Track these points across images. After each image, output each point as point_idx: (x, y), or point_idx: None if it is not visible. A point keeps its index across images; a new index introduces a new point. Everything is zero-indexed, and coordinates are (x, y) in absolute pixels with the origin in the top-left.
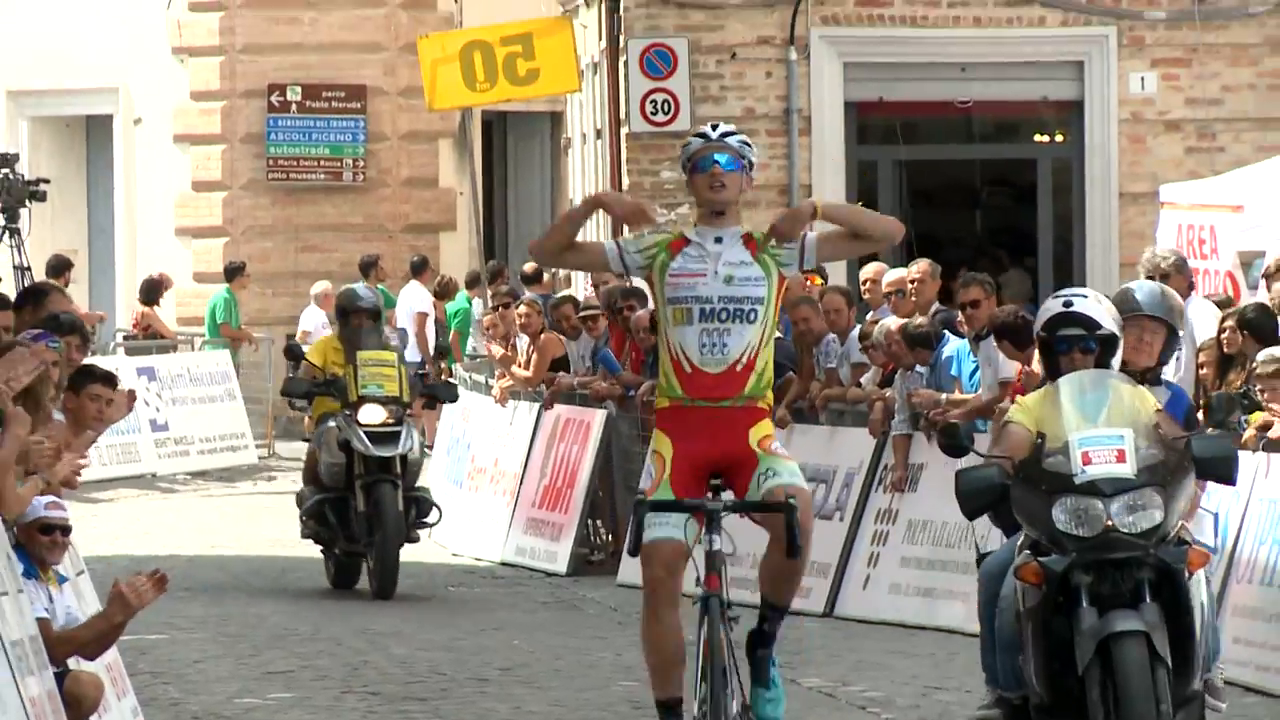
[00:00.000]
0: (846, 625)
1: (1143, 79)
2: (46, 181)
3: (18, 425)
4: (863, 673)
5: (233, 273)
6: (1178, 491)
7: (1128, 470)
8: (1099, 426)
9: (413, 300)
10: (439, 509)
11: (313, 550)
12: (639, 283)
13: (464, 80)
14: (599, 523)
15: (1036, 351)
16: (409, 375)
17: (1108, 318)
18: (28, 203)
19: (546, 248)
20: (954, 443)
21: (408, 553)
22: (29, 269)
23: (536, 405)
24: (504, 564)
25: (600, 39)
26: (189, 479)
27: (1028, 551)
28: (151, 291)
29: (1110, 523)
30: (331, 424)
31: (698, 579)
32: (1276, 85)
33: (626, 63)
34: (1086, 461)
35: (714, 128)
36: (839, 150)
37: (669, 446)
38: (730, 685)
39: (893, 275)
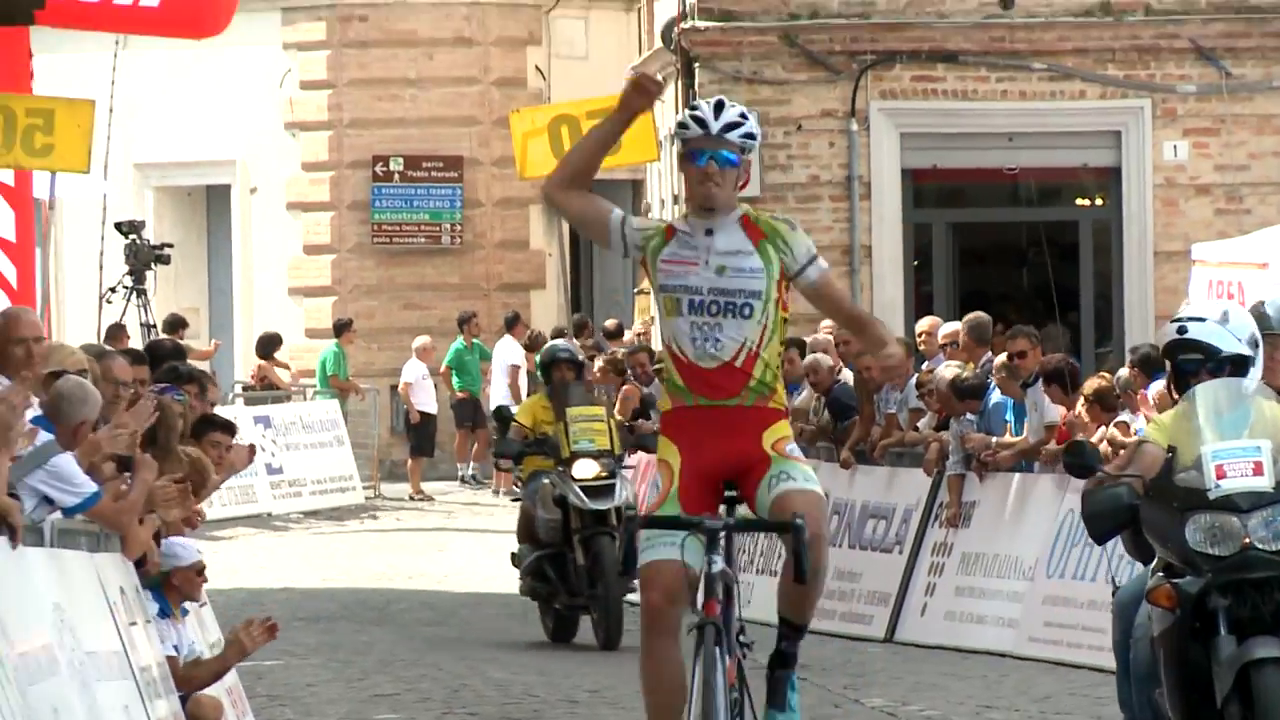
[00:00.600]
0: (906, 650)
1: (1175, 147)
2: (170, 246)
3: (145, 471)
4: (921, 693)
5: (340, 329)
6: None
7: (1265, 483)
8: (1234, 438)
9: (506, 353)
10: None
11: (412, 582)
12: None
13: (552, 151)
14: None
15: (1081, 398)
16: (619, 428)
17: (1230, 339)
18: (153, 266)
19: (560, 178)
20: (1080, 461)
21: (500, 584)
22: (154, 326)
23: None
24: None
25: (677, 112)
26: (301, 518)
27: (1161, 574)
28: (268, 346)
29: (1248, 540)
30: (545, 481)
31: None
32: None
33: None
34: (1221, 475)
35: (717, 110)
36: (896, 214)
37: (676, 455)
38: None
39: (947, 329)
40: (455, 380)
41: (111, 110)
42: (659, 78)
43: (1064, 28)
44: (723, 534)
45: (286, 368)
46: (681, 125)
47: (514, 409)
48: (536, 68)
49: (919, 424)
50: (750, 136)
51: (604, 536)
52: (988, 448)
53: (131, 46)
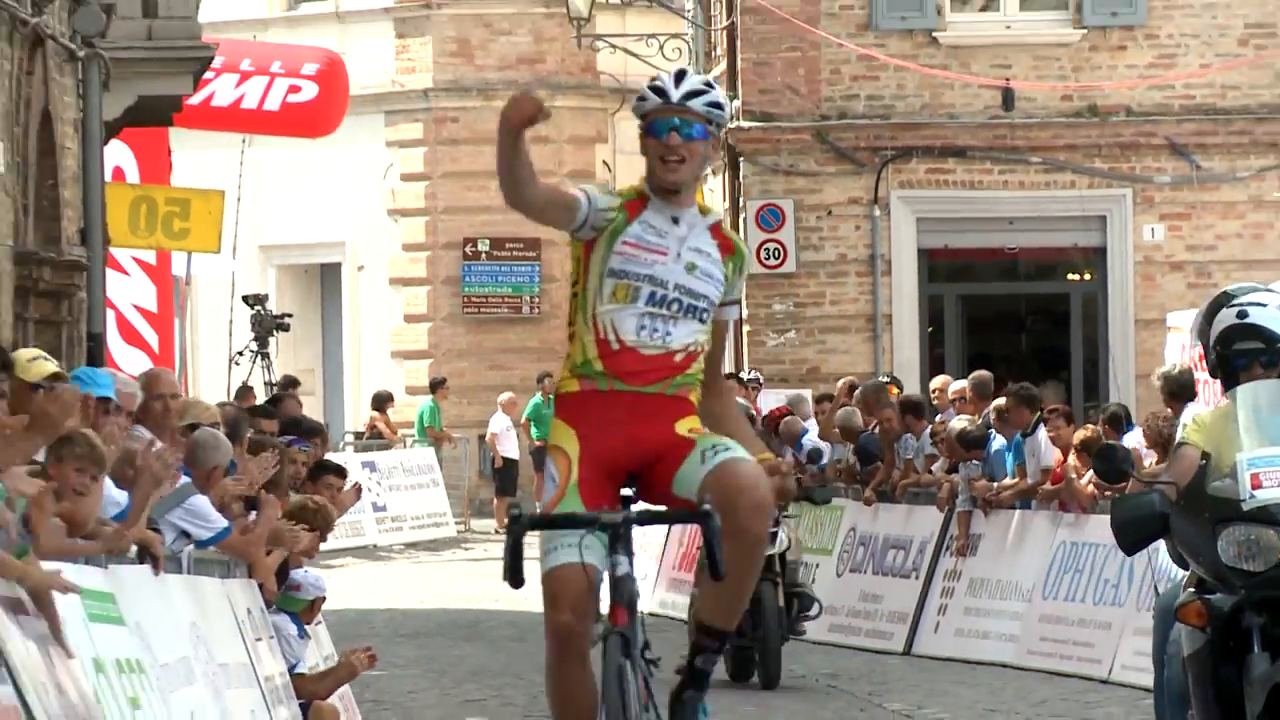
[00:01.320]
0: (921, 661)
1: (1153, 230)
2: (289, 316)
3: (269, 509)
4: (934, 699)
5: (436, 386)
6: None
7: None
8: (1275, 444)
9: None
10: (819, 603)
11: (498, 604)
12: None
13: None
14: None
15: (1071, 449)
16: None
17: None
18: (275, 333)
19: (509, 192)
20: (1111, 467)
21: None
22: (275, 385)
23: None
24: (651, 614)
25: (725, 199)
26: (403, 549)
27: (1192, 590)
28: (381, 402)
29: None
30: None
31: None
32: (1258, 234)
33: (745, 218)
34: (1256, 485)
35: (678, 79)
36: (913, 287)
37: (574, 443)
38: None
39: (956, 386)
40: (534, 430)
41: (239, 199)
42: (540, 94)
43: (1057, 127)
44: (625, 530)
45: (387, 424)
46: (640, 99)
47: None
48: (604, 162)
49: (933, 468)
50: (717, 106)
51: (765, 583)
52: (990, 489)
53: (256, 144)
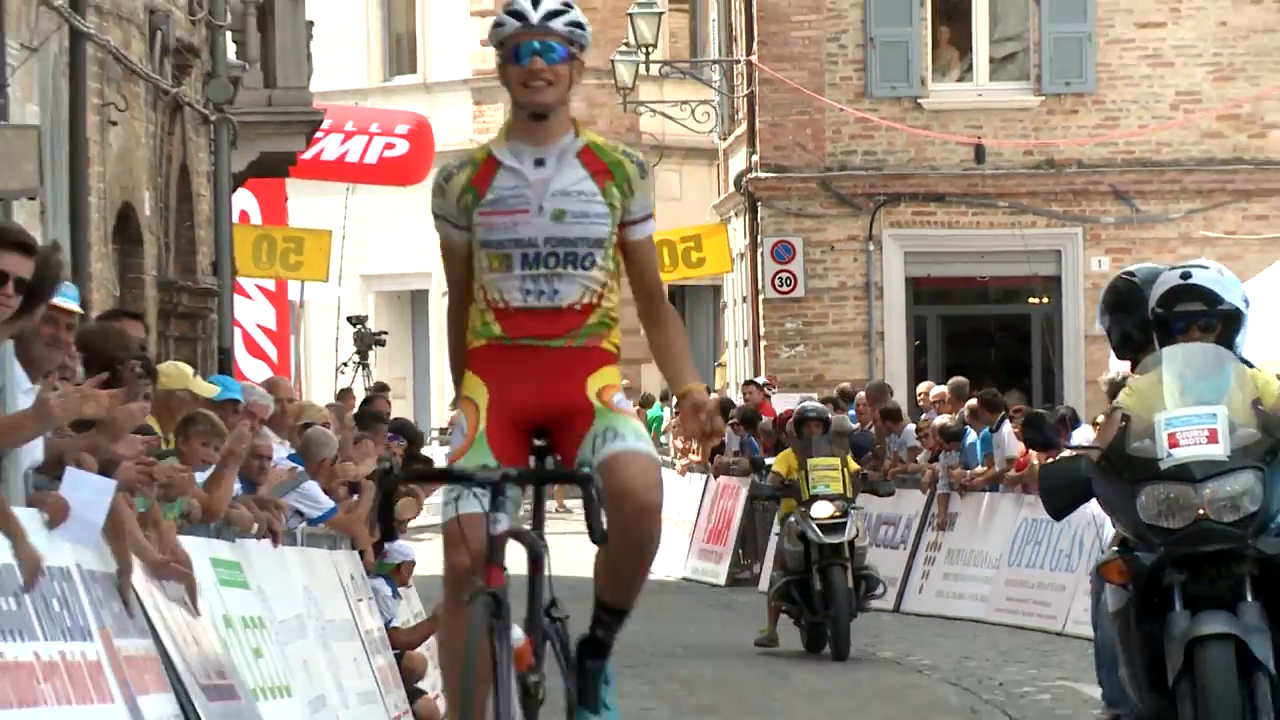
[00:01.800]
0: (908, 618)
1: (1099, 261)
2: (385, 333)
3: (369, 493)
4: (919, 648)
5: None
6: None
7: (1220, 451)
8: (1197, 405)
9: None
10: (884, 584)
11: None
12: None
13: (660, 262)
14: (743, 552)
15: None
16: (852, 475)
17: (1232, 291)
18: (374, 347)
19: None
20: (1040, 434)
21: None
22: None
23: (705, 475)
24: (684, 579)
25: (745, 236)
26: None
27: (1115, 549)
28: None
29: (1202, 512)
30: (791, 519)
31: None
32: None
33: (762, 253)
34: (1174, 444)
35: (534, 1)
36: (901, 309)
37: (484, 393)
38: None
39: (936, 390)
40: None
41: (344, 236)
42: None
43: (1020, 177)
44: (511, 487)
45: None
46: (497, 25)
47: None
48: None
49: (918, 457)
50: (578, 26)
51: (836, 566)
52: (965, 476)
53: (358, 191)
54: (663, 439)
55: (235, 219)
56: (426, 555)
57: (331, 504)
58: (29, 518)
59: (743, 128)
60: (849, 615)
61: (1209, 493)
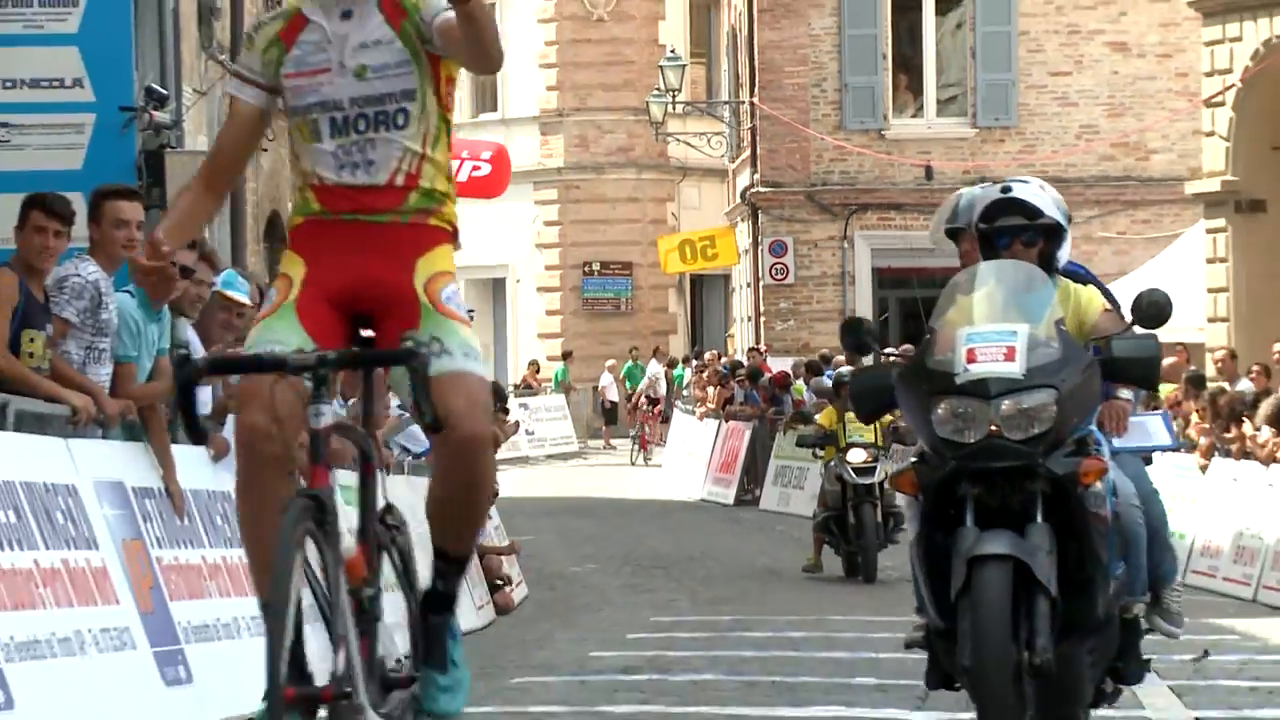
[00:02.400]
0: None
1: None
2: (473, 311)
3: None
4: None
5: (565, 355)
6: (1077, 394)
7: (1016, 369)
8: (994, 321)
9: (654, 369)
10: None
11: (605, 493)
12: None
13: (680, 258)
14: (747, 479)
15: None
16: (884, 427)
17: (1052, 205)
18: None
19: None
20: (856, 339)
21: (647, 495)
22: None
23: (718, 420)
24: (701, 500)
25: (748, 237)
26: (543, 459)
27: (912, 459)
28: (534, 367)
29: (994, 428)
30: (831, 464)
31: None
32: (1088, 258)
33: (761, 249)
34: (971, 359)
35: None
36: (869, 293)
37: (300, 267)
38: (374, 636)
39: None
40: (628, 384)
41: None
42: (165, 248)
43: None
44: (323, 374)
45: (535, 380)
46: None
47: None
48: (672, 213)
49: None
50: None
51: (867, 504)
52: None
53: None
54: (685, 392)
55: None
56: (506, 482)
57: (429, 443)
58: (199, 454)
59: (747, 153)
60: (877, 545)
61: (1002, 410)
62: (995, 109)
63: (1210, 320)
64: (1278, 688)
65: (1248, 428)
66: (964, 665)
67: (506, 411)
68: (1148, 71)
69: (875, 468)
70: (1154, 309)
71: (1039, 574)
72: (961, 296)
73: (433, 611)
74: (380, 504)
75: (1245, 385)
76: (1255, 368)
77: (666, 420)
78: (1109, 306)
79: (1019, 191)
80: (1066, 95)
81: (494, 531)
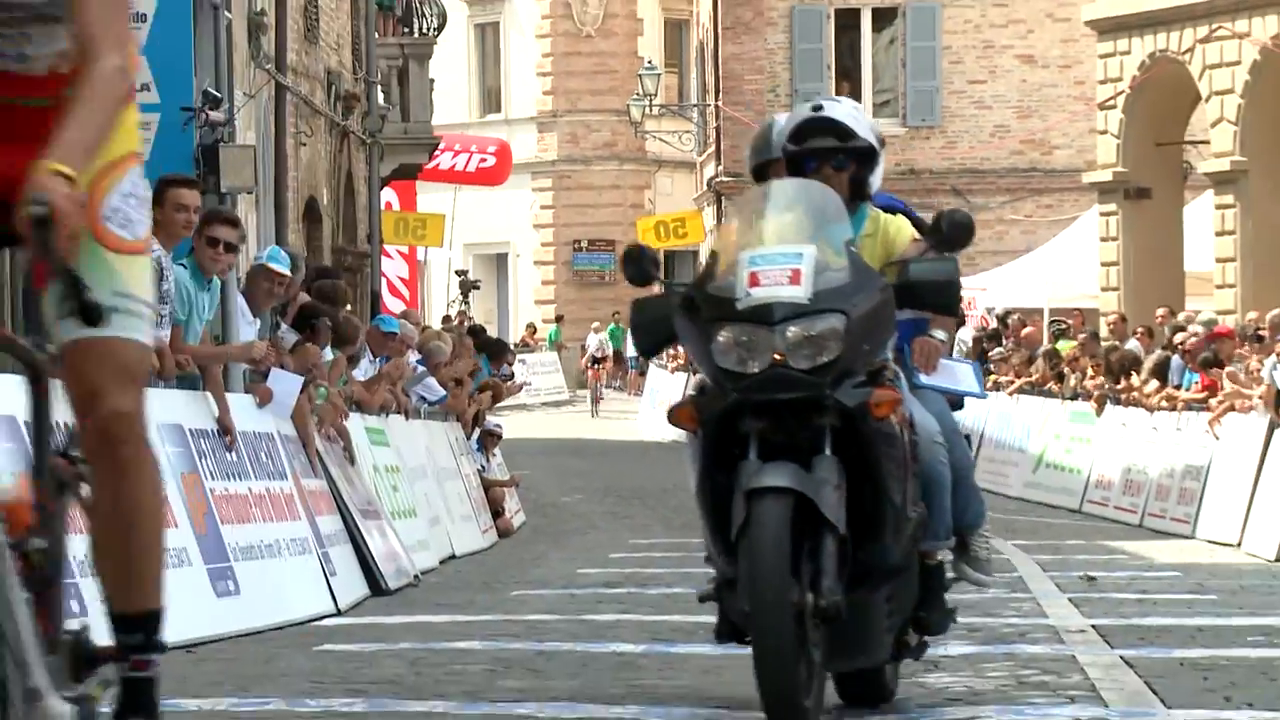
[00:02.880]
0: None
1: None
2: (480, 281)
3: (464, 389)
4: None
5: (558, 318)
6: (868, 320)
7: (801, 292)
8: (781, 244)
9: None
10: None
11: (593, 435)
12: None
13: (655, 236)
14: None
15: None
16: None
17: (866, 128)
18: (472, 290)
19: None
20: (638, 269)
21: (626, 437)
22: (471, 318)
23: (686, 374)
24: (673, 440)
25: (713, 219)
26: (539, 407)
27: (691, 393)
28: (530, 329)
29: (779, 356)
30: None
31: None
32: (1000, 235)
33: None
34: (754, 283)
35: None
36: None
37: None
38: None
39: None
40: (612, 343)
41: (453, 218)
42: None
43: (891, 180)
44: None
45: (532, 339)
46: None
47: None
48: (649, 199)
49: None
50: None
51: None
52: None
53: (463, 189)
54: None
55: (382, 207)
56: (509, 426)
57: (443, 392)
58: (245, 400)
59: (712, 149)
60: None
61: (787, 336)
62: (922, 111)
63: (1103, 289)
64: (1160, 599)
65: (1135, 380)
66: (743, 609)
67: (511, 368)
68: (1051, 80)
69: None
70: (956, 230)
71: (824, 509)
72: (745, 217)
73: (127, 714)
74: (61, 435)
75: (1133, 344)
76: (1140, 330)
77: (624, 374)
78: (918, 237)
79: (831, 110)
80: (982, 100)
81: (496, 468)
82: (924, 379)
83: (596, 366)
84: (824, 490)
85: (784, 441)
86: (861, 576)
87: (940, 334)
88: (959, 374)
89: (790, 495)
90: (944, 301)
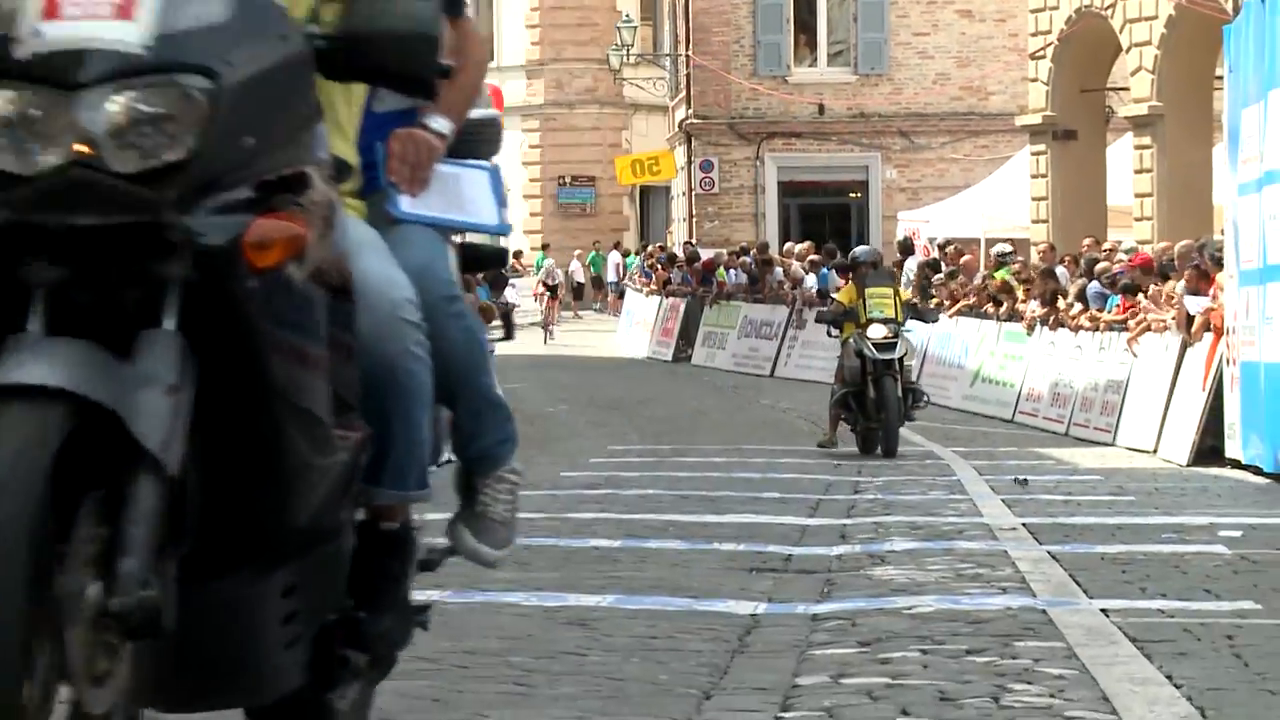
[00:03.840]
0: (779, 379)
1: (890, 172)
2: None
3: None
4: (788, 395)
5: (544, 247)
6: (257, 92)
7: (134, 33)
8: None
9: (612, 258)
10: (927, 396)
11: (572, 351)
12: None
13: (632, 173)
14: (682, 342)
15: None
16: (903, 303)
17: None
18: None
19: None
20: None
21: (609, 353)
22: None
23: (660, 297)
24: (647, 357)
25: (684, 157)
26: (527, 326)
27: None
28: (516, 255)
29: (85, 148)
30: (850, 340)
31: None
32: (942, 172)
33: (694, 166)
34: (54, 13)
35: None
36: (775, 200)
37: None
38: None
39: (799, 248)
40: (593, 269)
41: None
42: None
43: (845, 122)
44: None
45: (520, 265)
46: None
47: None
48: (626, 139)
49: (784, 285)
50: None
51: (888, 378)
52: (813, 298)
53: None
54: (629, 278)
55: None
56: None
57: None
58: None
59: (683, 94)
60: (900, 418)
61: (103, 112)
62: (872, 60)
63: (1034, 221)
64: (1085, 500)
65: (1061, 304)
66: None
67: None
68: (987, 32)
69: (895, 343)
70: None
71: (138, 429)
72: None
73: None
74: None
75: (1061, 271)
76: (1066, 258)
77: (604, 297)
78: None
79: None
80: (926, 50)
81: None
82: (405, 204)
83: (550, 295)
84: (141, 396)
85: (92, 302)
86: (233, 553)
87: (440, 123)
88: (465, 188)
89: (67, 402)
90: (412, 72)
